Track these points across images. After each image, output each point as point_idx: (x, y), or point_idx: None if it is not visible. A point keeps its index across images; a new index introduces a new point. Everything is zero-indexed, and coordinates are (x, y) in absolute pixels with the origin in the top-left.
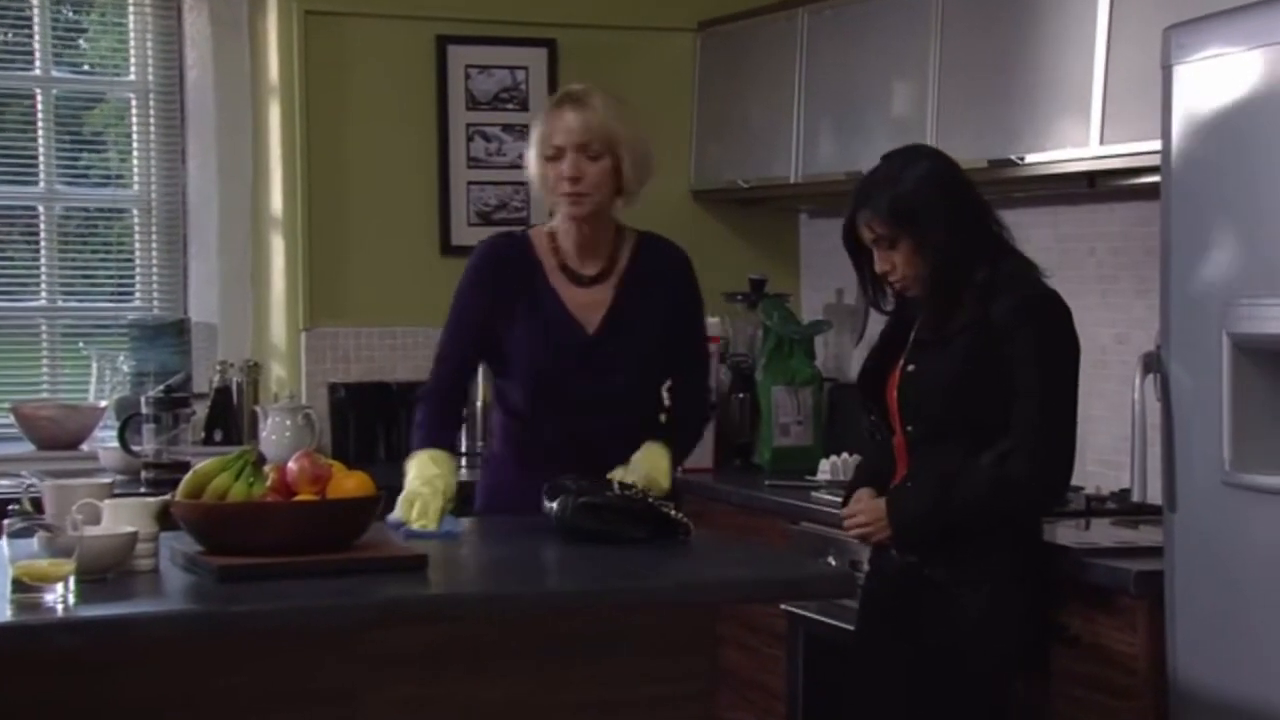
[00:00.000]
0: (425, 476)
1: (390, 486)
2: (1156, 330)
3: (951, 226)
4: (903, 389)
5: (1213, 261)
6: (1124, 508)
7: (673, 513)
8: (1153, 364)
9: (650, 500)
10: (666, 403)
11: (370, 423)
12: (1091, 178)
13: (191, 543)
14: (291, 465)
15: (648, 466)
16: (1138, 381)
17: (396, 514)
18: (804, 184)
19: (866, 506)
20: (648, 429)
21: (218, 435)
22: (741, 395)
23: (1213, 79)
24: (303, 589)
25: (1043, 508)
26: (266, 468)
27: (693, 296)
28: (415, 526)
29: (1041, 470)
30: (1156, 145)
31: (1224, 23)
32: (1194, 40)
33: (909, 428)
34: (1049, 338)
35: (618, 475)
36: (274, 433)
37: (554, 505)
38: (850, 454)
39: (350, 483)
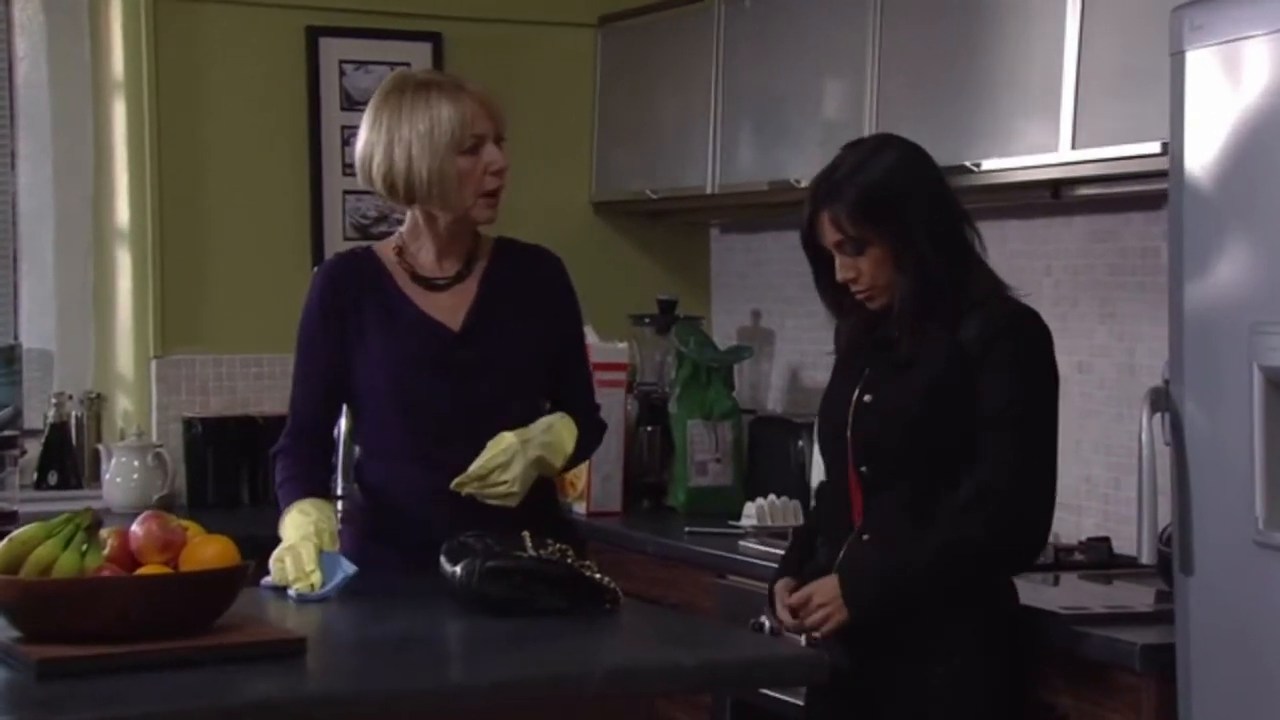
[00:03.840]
0: (298, 526)
1: (257, 537)
2: (1164, 361)
3: (931, 227)
4: (857, 424)
5: (1236, 279)
6: (1092, 560)
7: (597, 576)
8: (1161, 401)
9: (571, 563)
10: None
11: (232, 463)
12: (1056, 187)
13: (6, 628)
14: (136, 529)
15: (552, 435)
16: (1144, 421)
17: (270, 579)
18: (722, 195)
19: (820, 588)
20: None
21: (52, 478)
22: (650, 429)
23: (1234, 66)
24: (147, 686)
25: (1015, 565)
26: (104, 532)
27: (571, 303)
28: (295, 590)
29: (1018, 520)
30: (1138, 149)
31: (1243, 1)
32: (1212, 21)
33: (862, 468)
34: (1028, 359)
35: (505, 443)
36: (119, 475)
37: (457, 570)
38: (778, 496)
39: (209, 550)
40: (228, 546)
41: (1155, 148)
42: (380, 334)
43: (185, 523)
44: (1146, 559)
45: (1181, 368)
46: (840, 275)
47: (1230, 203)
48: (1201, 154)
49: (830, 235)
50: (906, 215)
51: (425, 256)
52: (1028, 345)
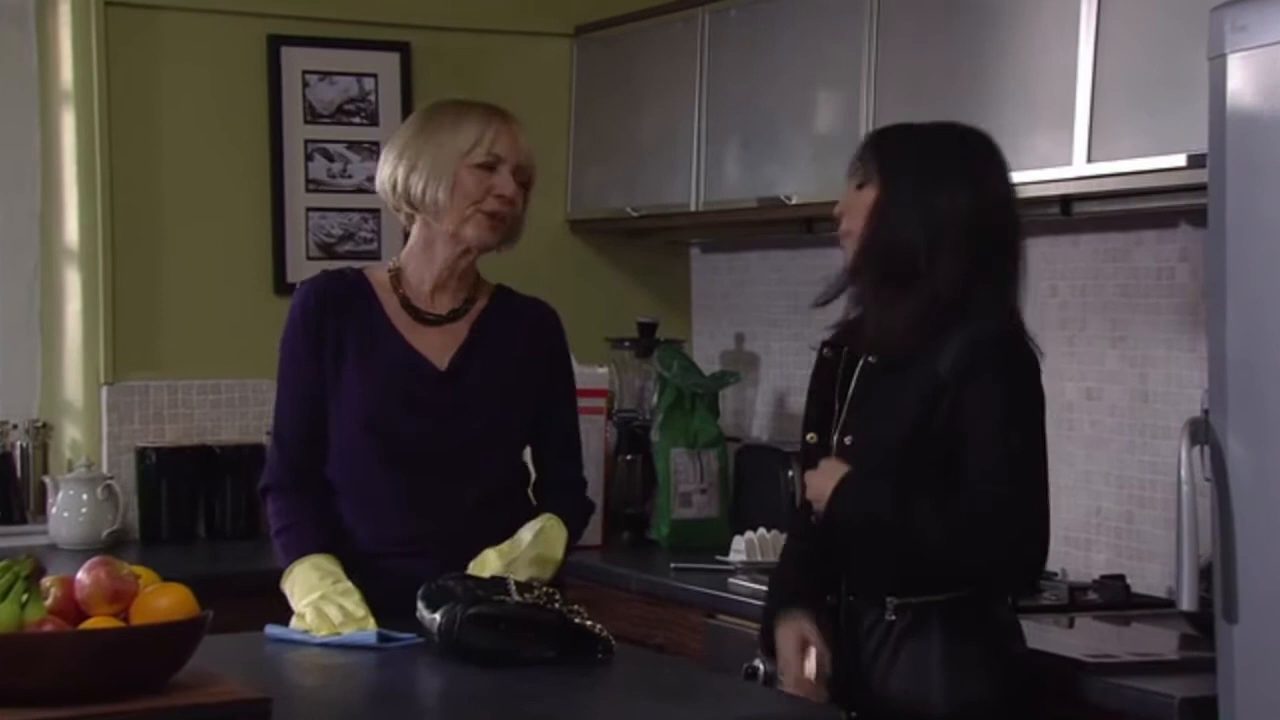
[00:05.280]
0: (313, 587)
1: (215, 578)
2: (1204, 391)
3: (934, 196)
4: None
5: None
6: (1108, 599)
7: (588, 623)
8: (1201, 433)
9: (559, 608)
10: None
11: (188, 496)
12: (1067, 203)
13: None
14: (82, 577)
15: (541, 545)
16: (1183, 455)
17: (297, 624)
18: (706, 212)
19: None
20: (514, 509)
21: None
22: (631, 458)
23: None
24: None
25: (1024, 565)
26: (46, 581)
27: (563, 360)
28: (347, 632)
29: (1019, 553)
30: (1161, 162)
31: None
32: (1257, 21)
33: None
34: (1010, 380)
35: (489, 569)
36: (67, 509)
37: (437, 617)
38: (768, 530)
39: (164, 601)
40: (184, 596)
41: (1180, 160)
42: (359, 363)
43: (137, 569)
44: (1187, 605)
45: (1224, 397)
46: (836, 209)
47: (1276, 217)
48: (1245, 166)
49: (853, 176)
50: (913, 171)
51: (421, 285)
52: (1008, 367)
